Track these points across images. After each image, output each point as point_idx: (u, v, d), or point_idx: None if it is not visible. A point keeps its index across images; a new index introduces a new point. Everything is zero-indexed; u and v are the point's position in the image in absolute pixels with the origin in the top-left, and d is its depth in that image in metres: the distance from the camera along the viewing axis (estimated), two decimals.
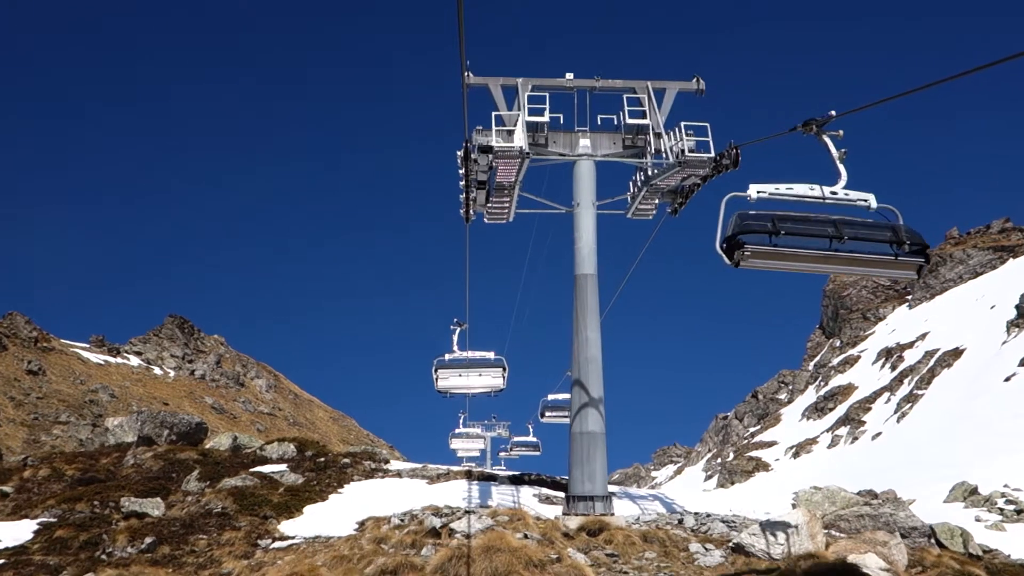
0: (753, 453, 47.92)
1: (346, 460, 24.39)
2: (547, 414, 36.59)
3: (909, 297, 55.35)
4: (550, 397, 36.92)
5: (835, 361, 54.89)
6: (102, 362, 73.53)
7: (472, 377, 20.92)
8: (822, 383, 53.53)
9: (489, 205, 19.04)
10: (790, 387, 69.32)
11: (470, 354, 21.60)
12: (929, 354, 42.71)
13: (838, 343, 58.37)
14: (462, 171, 17.42)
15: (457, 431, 38.47)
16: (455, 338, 22.46)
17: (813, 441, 44.88)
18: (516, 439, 40.70)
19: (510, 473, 24.35)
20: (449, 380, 21.03)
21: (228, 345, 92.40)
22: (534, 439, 40.08)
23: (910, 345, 47.11)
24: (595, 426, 17.16)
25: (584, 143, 18.33)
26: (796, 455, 44.44)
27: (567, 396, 29.74)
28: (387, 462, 24.58)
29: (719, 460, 68.32)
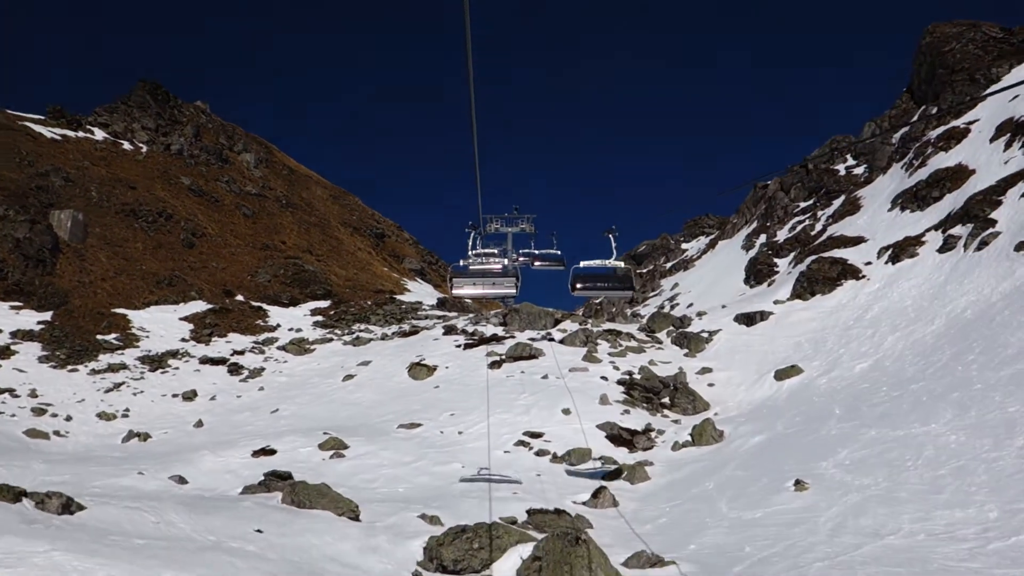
0: (835, 253, 38.50)
1: None
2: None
3: None
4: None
5: (933, 135, 44.39)
6: (58, 138, 63.52)
7: (486, 287, 17.95)
8: (915, 161, 43.33)
9: None
10: (859, 158, 59.34)
11: (485, 261, 18.28)
12: None
13: (935, 110, 47.56)
14: None
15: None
16: (470, 243, 19.36)
17: (917, 241, 35.32)
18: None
19: None
20: (464, 289, 18.03)
21: (211, 114, 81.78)
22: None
23: None
24: None
25: None
26: (895, 259, 35.06)
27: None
28: None
29: (764, 237, 59.53)
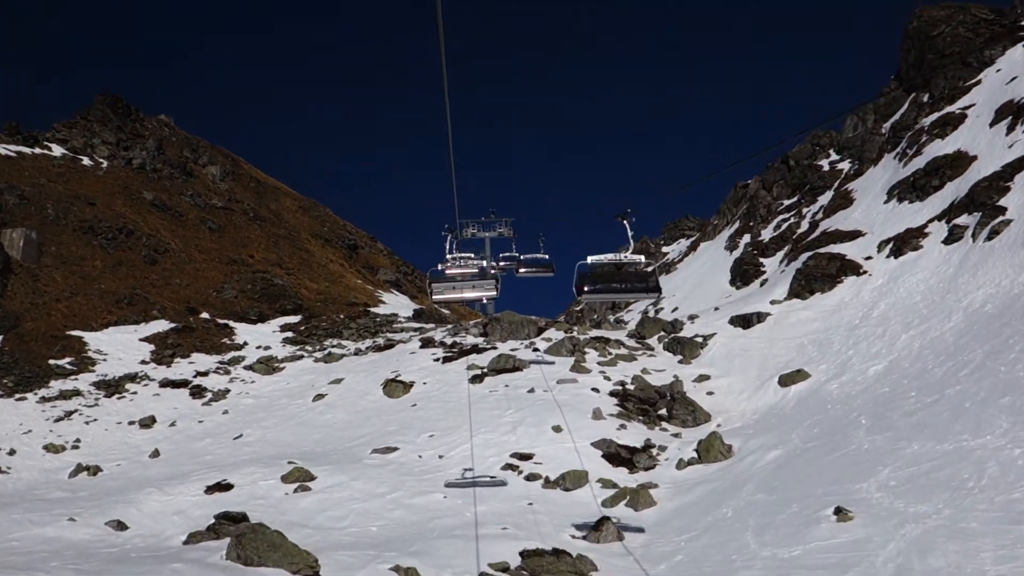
0: (832, 248, 36.38)
1: None
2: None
3: None
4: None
5: (926, 122, 42.45)
6: (13, 155, 60.62)
7: (466, 291, 16.62)
8: (909, 150, 41.35)
9: None
10: (843, 152, 57.49)
11: (463, 264, 16.75)
12: None
13: (927, 97, 45.61)
14: None
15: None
16: (447, 247, 17.86)
17: (920, 233, 33.25)
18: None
19: None
20: (444, 294, 16.74)
21: (174, 127, 79.06)
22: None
23: None
24: None
25: None
26: (897, 252, 32.95)
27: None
28: None
29: (748, 237, 57.59)
